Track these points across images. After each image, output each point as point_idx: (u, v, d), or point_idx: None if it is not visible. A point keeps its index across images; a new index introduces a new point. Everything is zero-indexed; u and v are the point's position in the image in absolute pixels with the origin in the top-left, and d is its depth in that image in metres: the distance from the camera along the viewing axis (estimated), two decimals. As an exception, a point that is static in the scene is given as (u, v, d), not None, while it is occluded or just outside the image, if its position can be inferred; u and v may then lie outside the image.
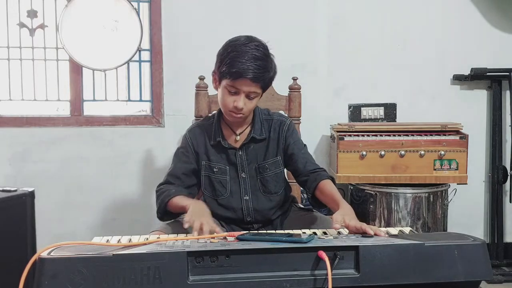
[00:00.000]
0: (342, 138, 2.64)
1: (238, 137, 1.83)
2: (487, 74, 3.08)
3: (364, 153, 2.63)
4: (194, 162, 1.84)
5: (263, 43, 1.71)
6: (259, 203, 1.84)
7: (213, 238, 1.35)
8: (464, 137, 2.66)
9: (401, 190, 2.64)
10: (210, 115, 1.98)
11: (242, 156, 1.82)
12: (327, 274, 1.11)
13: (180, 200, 1.68)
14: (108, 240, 1.39)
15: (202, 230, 1.40)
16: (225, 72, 1.67)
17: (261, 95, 1.77)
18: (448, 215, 2.79)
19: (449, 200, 2.76)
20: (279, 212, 1.90)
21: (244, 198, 1.83)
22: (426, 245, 1.19)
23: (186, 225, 1.46)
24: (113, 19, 2.90)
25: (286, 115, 2.19)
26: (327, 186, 1.72)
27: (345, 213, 1.50)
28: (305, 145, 1.89)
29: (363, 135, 2.67)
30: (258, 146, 1.84)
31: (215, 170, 1.82)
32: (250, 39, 1.69)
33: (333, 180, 1.77)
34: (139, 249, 1.17)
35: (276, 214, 1.89)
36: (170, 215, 1.76)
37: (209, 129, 1.85)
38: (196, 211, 1.54)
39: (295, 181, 1.94)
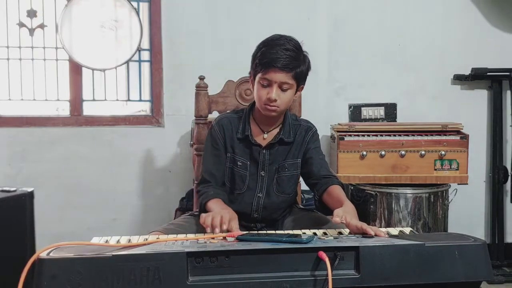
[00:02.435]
0: (342, 138, 2.64)
1: (266, 135, 1.85)
2: (488, 74, 3.08)
3: (365, 153, 2.62)
4: (223, 154, 1.85)
5: (295, 38, 1.75)
6: (270, 201, 1.86)
7: (213, 238, 1.35)
8: (465, 137, 2.65)
9: (401, 190, 2.63)
10: (239, 109, 1.98)
11: (266, 155, 1.84)
12: (327, 275, 1.11)
13: (211, 206, 1.70)
14: (107, 241, 1.39)
15: (221, 223, 1.45)
16: (257, 65, 1.71)
17: (296, 90, 1.78)
18: (448, 216, 2.78)
19: (449, 200, 2.75)
20: (285, 212, 1.93)
21: (258, 194, 1.85)
22: (426, 245, 1.18)
23: (208, 230, 1.48)
24: (112, 19, 2.90)
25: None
26: (335, 190, 1.75)
27: (346, 211, 1.51)
28: (323, 154, 1.92)
29: (363, 135, 2.66)
30: (282, 148, 1.85)
31: (239, 163, 1.84)
32: (281, 35, 1.74)
33: (343, 187, 1.80)
34: (138, 250, 1.17)
35: (282, 214, 1.92)
36: None
37: (237, 122, 1.86)
38: (214, 213, 1.54)
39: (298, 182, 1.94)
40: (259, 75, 1.72)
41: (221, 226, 1.45)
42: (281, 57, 1.67)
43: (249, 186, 1.85)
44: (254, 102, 1.86)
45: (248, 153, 1.84)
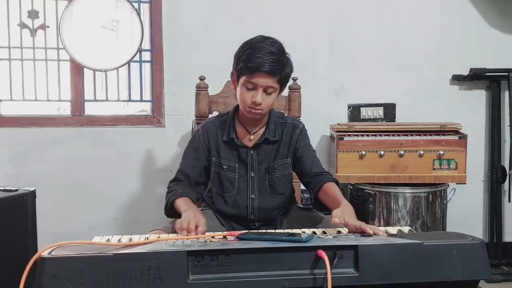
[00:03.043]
0: (341, 138, 2.65)
1: (252, 136, 1.86)
2: (486, 74, 3.08)
3: (364, 153, 2.63)
4: (204, 158, 1.86)
5: (278, 40, 1.75)
6: (265, 203, 1.86)
7: (213, 237, 1.36)
8: (463, 137, 2.66)
9: (400, 189, 2.64)
10: (224, 112, 2.00)
11: (253, 155, 1.85)
12: (326, 273, 1.12)
13: (180, 204, 1.70)
14: (108, 240, 1.40)
15: (193, 229, 1.46)
16: (242, 68, 1.71)
17: (279, 92, 1.80)
18: (447, 215, 2.79)
19: (448, 200, 2.76)
20: (282, 211, 1.93)
21: (251, 196, 1.86)
22: (425, 244, 1.19)
23: (178, 232, 1.50)
24: (113, 20, 2.91)
25: (300, 119, 2.17)
26: (330, 188, 1.75)
27: (344, 211, 1.51)
28: (314, 150, 1.93)
29: (362, 135, 2.67)
30: (269, 148, 1.86)
31: (224, 167, 1.85)
32: (265, 37, 1.74)
33: (337, 183, 1.80)
34: (139, 249, 1.18)
35: (279, 213, 1.92)
36: (175, 214, 1.77)
37: (222, 125, 1.88)
38: (188, 216, 1.55)
39: (295, 180, 1.94)
40: (244, 78, 1.72)
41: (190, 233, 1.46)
42: (267, 61, 1.67)
43: (239, 187, 1.85)
44: (238, 104, 1.86)
45: (235, 155, 1.85)
